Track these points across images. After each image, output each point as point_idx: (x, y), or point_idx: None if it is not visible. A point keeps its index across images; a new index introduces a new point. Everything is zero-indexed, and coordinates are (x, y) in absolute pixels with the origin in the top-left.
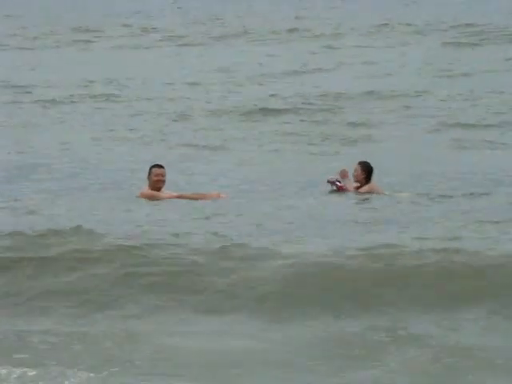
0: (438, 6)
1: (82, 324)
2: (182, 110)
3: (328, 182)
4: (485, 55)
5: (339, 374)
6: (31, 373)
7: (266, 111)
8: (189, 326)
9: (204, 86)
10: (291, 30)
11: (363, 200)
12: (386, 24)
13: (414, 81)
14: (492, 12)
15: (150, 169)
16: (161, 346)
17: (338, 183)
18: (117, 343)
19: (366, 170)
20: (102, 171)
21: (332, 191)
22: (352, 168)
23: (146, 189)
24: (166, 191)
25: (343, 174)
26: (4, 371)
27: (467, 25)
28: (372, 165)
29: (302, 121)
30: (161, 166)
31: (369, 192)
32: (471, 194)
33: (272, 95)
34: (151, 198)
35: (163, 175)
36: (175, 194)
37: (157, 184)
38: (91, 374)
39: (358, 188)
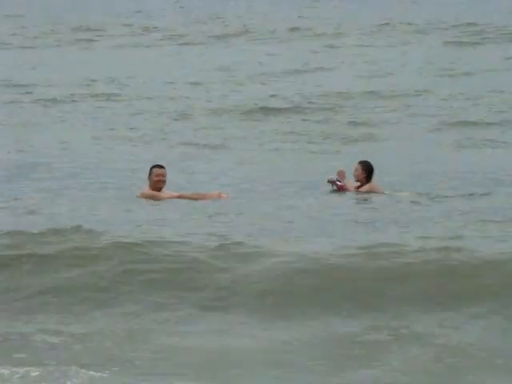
0: (438, 6)
1: (81, 322)
2: (182, 109)
3: (328, 181)
4: (485, 54)
5: (340, 373)
6: (34, 373)
7: (266, 110)
8: (189, 324)
9: (205, 85)
10: (292, 29)
11: (364, 199)
12: (387, 23)
13: (414, 80)
14: (492, 11)
15: (151, 169)
16: (160, 345)
17: (338, 183)
18: (117, 342)
19: (367, 170)
20: (103, 171)
21: (332, 191)
22: (352, 167)
23: (146, 189)
24: (166, 191)
25: (341, 175)
26: (6, 371)
27: (468, 24)
28: (372, 164)
29: (303, 120)
30: (161, 167)
31: (369, 191)
32: (472, 193)
33: (273, 94)
34: (152, 198)
35: (164, 175)
36: (176, 193)
37: (157, 184)
38: (93, 373)
39: (358, 187)
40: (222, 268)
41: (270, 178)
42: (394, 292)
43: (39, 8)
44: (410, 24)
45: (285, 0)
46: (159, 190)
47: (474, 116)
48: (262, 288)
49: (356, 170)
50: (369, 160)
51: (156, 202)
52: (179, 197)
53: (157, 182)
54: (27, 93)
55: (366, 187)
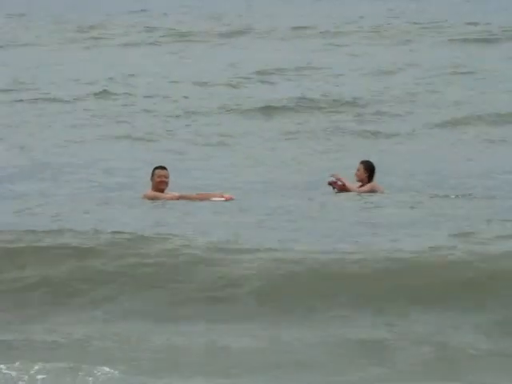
0: (442, 4)
1: (81, 321)
2: (184, 108)
3: (329, 184)
4: (492, 53)
5: (340, 373)
6: (42, 370)
7: (268, 109)
8: (189, 323)
9: (207, 84)
10: (295, 28)
11: (365, 199)
12: (391, 22)
13: (418, 79)
14: (497, 10)
15: (153, 170)
16: (161, 344)
17: (338, 183)
18: (117, 341)
19: (369, 169)
20: (104, 171)
21: (334, 192)
22: (355, 167)
23: (149, 190)
24: (169, 192)
25: (337, 177)
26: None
27: (473, 23)
28: (374, 164)
29: (305, 119)
30: (164, 168)
31: (370, 191)
32: (473, 192)
33: (275, 93)
34: (154, 199)
35: (166, 177)
36: (178, 194)
37: (160, 185)
38: (107, 369)
39: (359, 187)
40: (222, 268)
41: (272, 178)
42: (395, 292)
43: (41, 7)
44: (414, 23)
45: None
46: (162, 191)
47: (478, 115)
48: (263, 288)
49: (358, 169)
50: (370, 159)
51: (158, 203)
52: (181, 197)
53: (159, 183)
54: (29, 92)
55: (367, 187)
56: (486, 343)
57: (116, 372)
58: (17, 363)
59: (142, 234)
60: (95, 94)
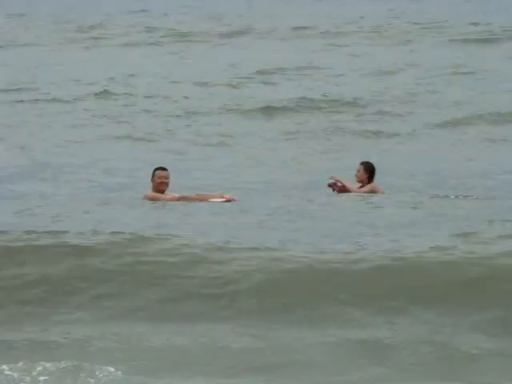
0: (443, 4)
1: (81, 321)
2: (184, 109)
3: (329, 186)
4: (492, 53)
5: (340, 373)
6: (47, 369)
7: (269, 110)
8: (190, 323)
9: (208, 84)
10: (295, 28)
11: (365, 199)
12: (391, 22)
13: (418, 80)
14: (497, 10)
15: (154, 171)
16: (160, 344)
17: (338, 184)
18: (115, 341)
19: (369, 170)
20: (105, 171)
21: (334, 193)
22: (355, 167)
23: (149, 191)
24: (169, 193)
25: (336, 180)
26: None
27: (473, 23)
28: (374, 165)
29: (305, 119)
30: (164, 169)
31: (371, 192)
32: (473, 192)
33: (276, 94)
34: (154, 200)
35: (167, 178)
36: (178, 195)
37: (160, 186)
38: (111, 369)
39: (360, 188)
40: (222, 267)
41: (272, 178)
42: (395, 292)
43: (42, 7)
44: (415, 23)
45: None
46: (162, 192)
47: (479, 115)
48: (263, 288)
49: (358, 170)
50: (370, 160)
51: (158, 204)
52: (182, 198)
53: (160, 184)
54: (30, 92)
55: (367, 187)
56: (486, 343)
57: (119, 372)
58: (19, 363)
59: (142, 234)
60: (95, 94)
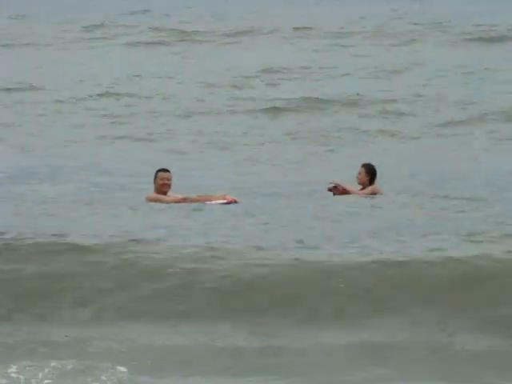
0: (445, 4)
1: (82, 320)
2: (188, 109)
3: (329, 190)
4: (496, 52)
5: (341, 373)
6: (57, 367)
7: (272, 110)
8: (191, 323)
9: (211, 84)
10: (299, 29)
11: (366, 201)
12: (394, 22)
13: (422, 79)
14: (500, 10)
15: (156, 173)
16: (161, 344)
17: (338, 188)
18: (116, 341)
19: (370, 172)
20: (105, 172)
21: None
22: (356, 170)
23: (151, 192)
24: (171, 194)
25: (336, 184)
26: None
27: (477, 23)
28: (375, 167)
29: (309, 119)
30: (166, 170)
31: (372, 194)
32: (477, 193)
33: (279, 94)
34: (157, 201)
35: (169, 179)
36: (180, 196)
37: (162, 188)
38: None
39: (361, 190)
40: (223, 267)
41: (275, 179)
42: (395, 294)
43: (44, 7)
44: (418, 23)
45: None
46: (164, 193)
47: (483, 115)
48: (263, 288)
49: (359, 172)
50: (372, 162)
51: (161, 205)
52: (184, 199)
53: (162, 185)
54: (31, 93)
55: (368, 189)
56: (486, 343)
57: (126, 371)
58: (25, 363)
59: (143, 235)
60: (98, 94)
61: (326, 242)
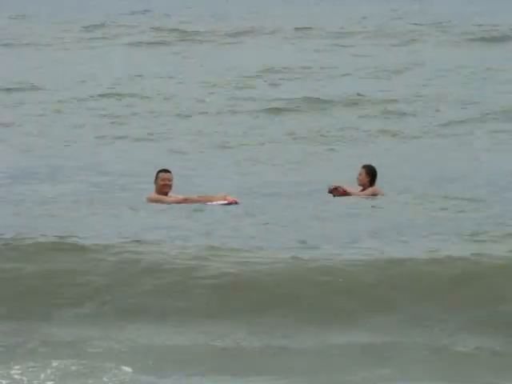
0: (445, 4)
1: (81, 318)
2: (188, 109)
3: (329, 192)
4: (497, 52)
5: (342, 374)
6: (62, 367)
7: (274, 110)
8: (190, 323)
9: (212, 85)
10: (300, 29)
11: (366, 202)
12: (395, 22)
13: (422, 79)
14: (501, 10)
15: (157, 173)
16: (161, 344)
17: (339, 189)
18: (117, 341)
19: (371, 174)
20: (107, 172)
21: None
22: (356, 171)
23: (152, 193)
24: (172, 195)
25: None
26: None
27: (477, 23)
28: (376, 168)
29: (309, 120)
30: (168, 171)
31: (372, 195)
32: (478, 194)
33: (280, 94)
34: (158, 202)
35: (170, 180)
36: (181, 197)
37: (163, 188)
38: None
39: (361, 191)
40: (223, 268)
41: (276, 180)
42: (395, 295)
43: (45, 7)
44: (418, 23)
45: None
46: (165, 194)
47: (484, 115)
48: (264, 289)
49: (360, 174)
50: (372, 164)
51: (161, 206)
52: (185, 200)
53: (163, 186)
54: (32, 93)
55: (368, 191)
56: (486, 343)
57: (130, 371)
58: (27, 367)
59: (144, 235)
60: (98, 95)
61: (326, 241)
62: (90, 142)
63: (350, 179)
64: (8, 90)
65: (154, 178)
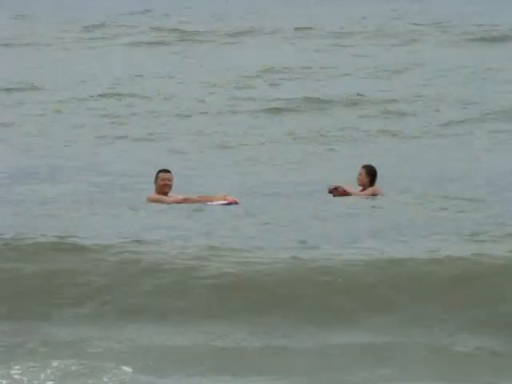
0: (445, 4)
1: (80, 318)
2: (188, 109)
3: (329, 192)
4: (497, 52)
5: (342, 374)
6: (63, 367)
7: (274, 110)
8: (192, 324)
9: (212, 85)
10: (300, 29)
11: (366, 202)
12: (395, 22)
13: (422, 79)
14: (500, 10)
15: (157, 173)
16: (161, 344)
17: (339, 189)
18: (118, 341)
19: (371, 174)
20: (107, 172)
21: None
22: (356, 171)
23: (152, 193)
24: (172, 195)
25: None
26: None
27: (477, 23)
28: (376, 168)
29: (309, 120)
30: (168, 171)
31: (372, 195)
32: (479, 194)
33: (280, 94)
34: (158, 202)
35: (170, 180)
36: (181, 197)
37: (163, 188)
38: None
39: (361, 191)
40: (223, 268)
41: (276, 180)
42: (395, 295)
43: (45, 7)
44: (418, 23)
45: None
46: (165, 194)
47: (483, 115)
48: (264, 289)
49: (360, 174)
50: (372, 164)
51: (161, 206)
52: (185, 200)
53: (163, 186)
54: (32, 93)
55: (368, 191)
56: (486, 343)
57: (130, 371)
58: (27, 367)
59: (144, 235)
60: (98, 95)
61: (326, 241)
62: (90, 142)
63: (350, 179)
64: (8, 89)
65: (154, 177)
